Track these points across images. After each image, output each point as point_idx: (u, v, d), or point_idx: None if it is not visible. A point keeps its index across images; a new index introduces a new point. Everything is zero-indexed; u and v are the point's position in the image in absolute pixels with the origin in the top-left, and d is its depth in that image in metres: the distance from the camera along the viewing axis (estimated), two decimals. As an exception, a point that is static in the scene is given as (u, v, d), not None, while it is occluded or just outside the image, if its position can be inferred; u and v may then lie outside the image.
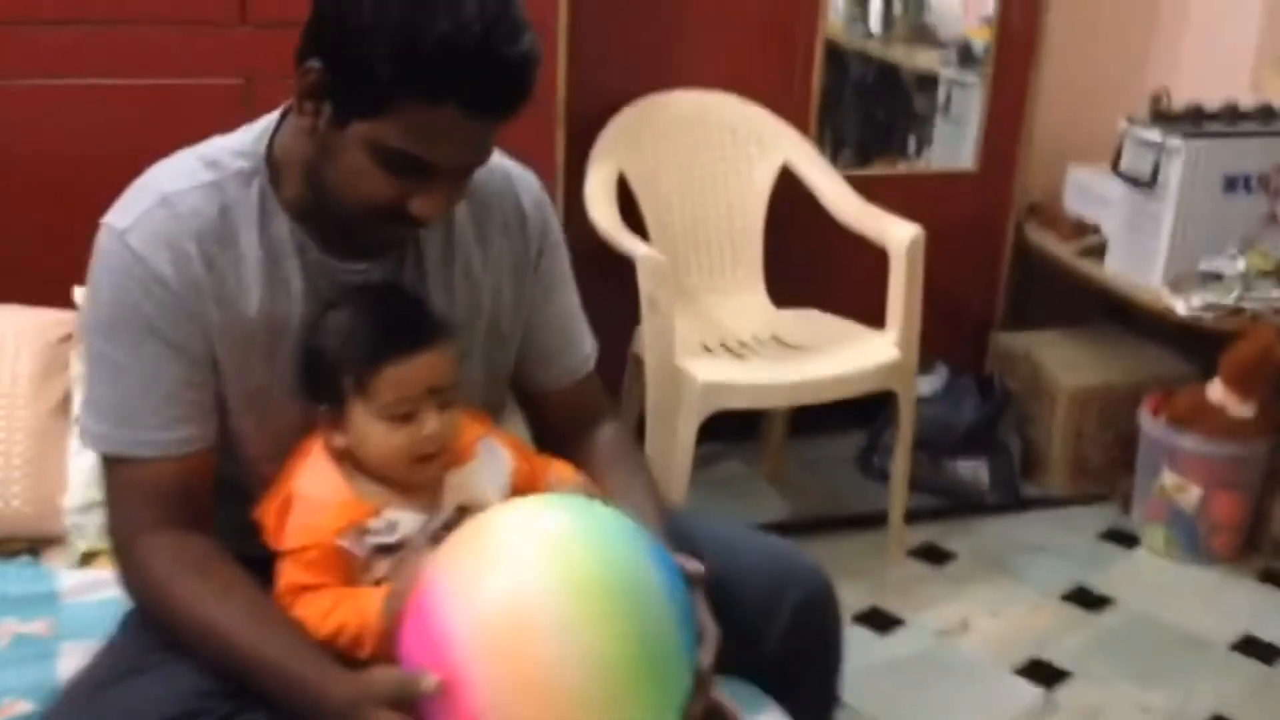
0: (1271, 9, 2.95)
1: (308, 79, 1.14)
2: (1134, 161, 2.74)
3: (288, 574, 1.19)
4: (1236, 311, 2.61)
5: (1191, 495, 2.64)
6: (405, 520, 1.20)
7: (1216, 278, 2.66)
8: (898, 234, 2.51)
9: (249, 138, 1.24)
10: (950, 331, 3.05)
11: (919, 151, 3.07)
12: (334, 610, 1.16)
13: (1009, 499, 2.90)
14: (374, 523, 1.19)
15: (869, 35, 2.97)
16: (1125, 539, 2.78)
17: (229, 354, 1.22)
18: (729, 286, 2.75)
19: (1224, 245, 2.68)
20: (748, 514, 2.73)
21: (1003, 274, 3.15)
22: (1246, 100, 2.79)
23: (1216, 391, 2.61)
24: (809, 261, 2.84)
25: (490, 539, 1.07)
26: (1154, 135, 2.69)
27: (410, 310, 1.23)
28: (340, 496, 1.20)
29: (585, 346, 1.45)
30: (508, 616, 1.02)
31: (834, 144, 2.94)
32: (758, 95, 2.76)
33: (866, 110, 3.01)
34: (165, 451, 1.20)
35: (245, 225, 1.21)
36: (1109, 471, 2.90)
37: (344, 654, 1.15)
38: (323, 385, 1.22)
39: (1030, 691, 2.27)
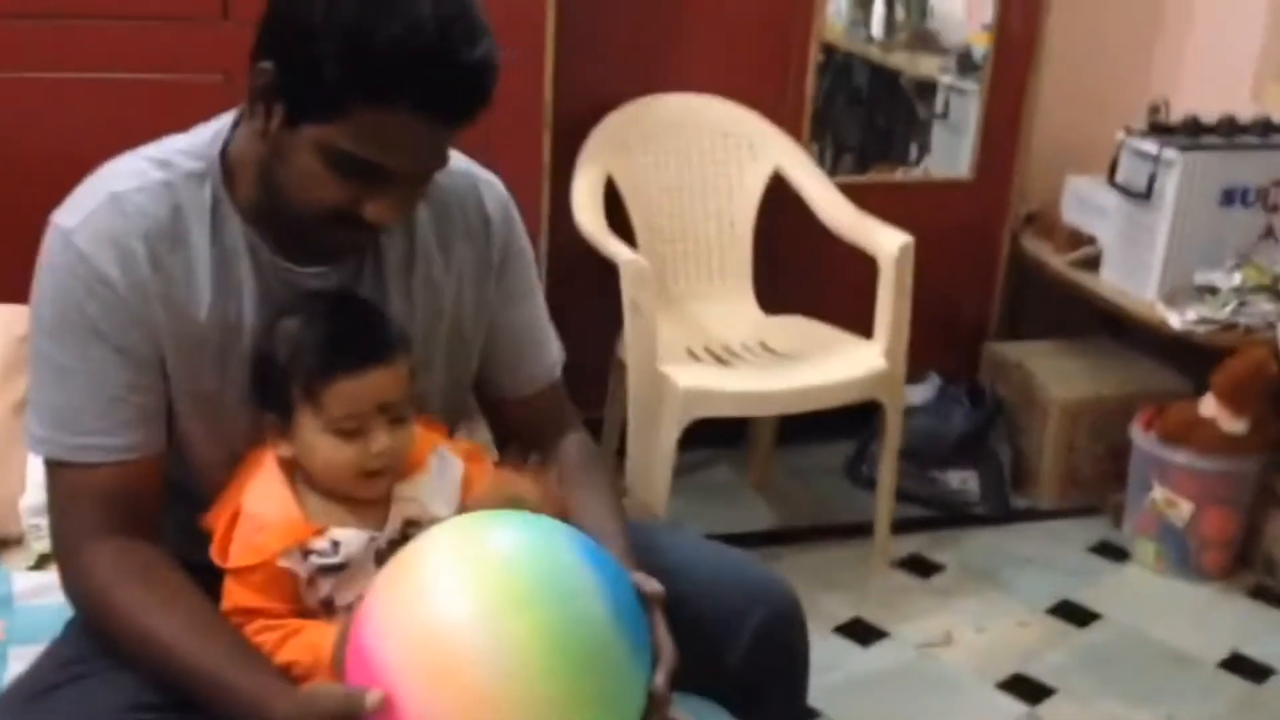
0: (1275, 20, 2.91)
1: (259, 79, 1.12)
2: (1130, 173, 2.71)
3: (233, 595, 1.18)
4: (1230, 326, 2.59)
5: (1183, 510, 2.61)
6: (349, 539, 1.18)
7: (1212, 291, 2.63)
8: (887, 242, 2.49)
9: (203, 139, 1.22)
10: (943, 341, 3.03)
11: (917, 159, 3.04)
12: (283, 645, 1.15)
13: (998, 510, 2.87)
14: (317, 543, 1.17)
15: (870, 40, 2.94)
16: (1115, 553, 2.75)
17: (178, 358, 1.20)
18: (717, 292, 2.73)
19: (1220, 259, 2.66)
20: (733, 522, 2.71)
21: (998, 284, 3.12)
22: (1245, 112, 2.76)
23: (1209, 406, 2.58)
24: (800, 268, 2.82)
25: (422, 565, 1.05)
26: (1151, 147, 2.67)
27: (365, 322, 1.21)
28: (286, 515, 1.18)
29: (550, 354, 1.42)
30: (438, 645, 1.00)
31: (830, 150, 2.91)
32: (750, 99, 2.73)
33: (863, 116, 2.98)
34: (110, 457, 1.18)
35: (197, 227, 1.19)
36: (1100, 484, 2.87)
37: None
38: (271, 393, 1.19)
39: (1013, 708, 2.25)
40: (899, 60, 2.96)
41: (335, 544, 1.17)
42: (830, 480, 2.97)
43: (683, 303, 2.69)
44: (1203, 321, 2.59)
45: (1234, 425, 2.55)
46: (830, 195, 2.68)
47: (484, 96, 1.11)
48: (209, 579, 1.19)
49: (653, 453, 2.35)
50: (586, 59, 2.56)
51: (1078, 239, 2.95)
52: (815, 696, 2.04)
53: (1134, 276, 2.74)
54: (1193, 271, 2.66)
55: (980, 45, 2.95)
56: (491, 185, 1.35)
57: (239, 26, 2.08)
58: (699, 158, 2.71)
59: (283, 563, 1.16)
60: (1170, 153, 2.63)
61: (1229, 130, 2.71)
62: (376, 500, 1.20)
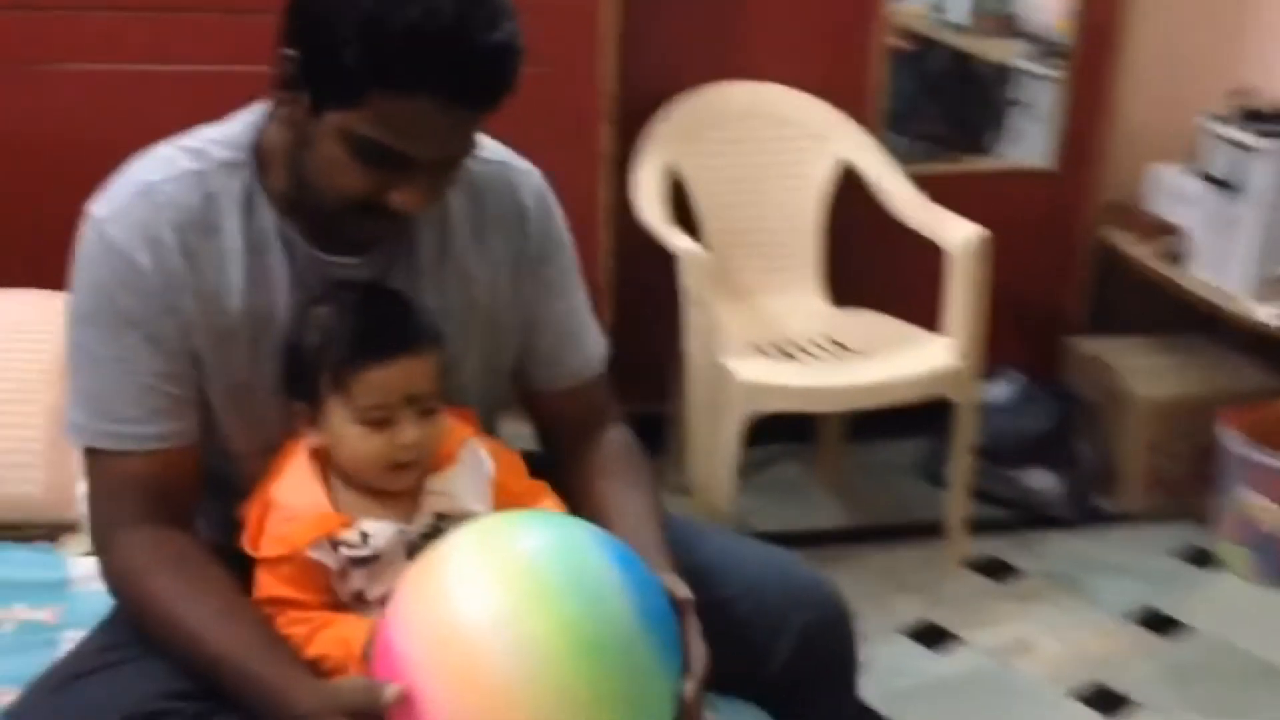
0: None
1: (284, 67, 1.12)
2: (1217, 161, 2.61)
3: (265, 585, 1.18)
4: (1325, 322, 2.48)
5: (1274, 515, 2.50)
6: (378, 531, 1.17)
7: (1305, 286, 2.52)
8: (956, 233, 2.42)
9: (236, 128, 1.22)
10: (1023, 336, 2.96)
11: (994, 147, 2.97)
12: (313, 638, 1.14)
13: (1080, 513, 2.78)
14: (347, 534, 1.16)
15: (946, 24, 2.87)
16: (1202, 559, 2.65)
17: (211, 348, 1.20)
18: (784, 285, 2.68)
19: (1314, 251, 2.54)
20: (801, 519, 2.67)
21: (1080, 277, 3.03)
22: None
23: (1301, 406, 2.48)
24: (870, 261, 2.76)
25: (447, 563, 1.04)
26: (1240, 135, 2.56)
27: (395, 312, 1.20)
28: (316, 506, 1.17)
29: (590, 348, 1.39)
30: (461, 644, 0.99)
31: (905, 138, 2.84)
32: (819, 87, 2.68)
33: (939, 104, 2.91)
34: (143, 445, 1.19)
35: (229, 216, 1.19)
36: (1187, 487, 2.76)
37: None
38: (301, 382, 1.19)
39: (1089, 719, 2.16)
40: (977, 46, 2.88)
41: (364, 536, 1.16)
42: (903, 479, 2.90)
43: (749, 296, 2.65)
44: (1295, 316, 2.49)
45: (1327, 426, 2.45)
46: (900, 185, 2.61)
47: (505, 81, 1.09)
48: (248, 567, 1.19)
49: (714, 448, 2.32)
50: (650, 46, 2.54)
51: (1162, 229, 2.84)
52: (881, 701, 2.01)
53: (1221, 269, 2.64)
54: (1285, 264, 2.55)
55: (1062, 30, 2.87)
56: (528, 175, 1.33)
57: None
58: (765, 147, 2.66)
59: (312, 554, 1.16)
60: (1261, 141, 2.53)
61: (1324, 117, 2.60)
62: (407, 493, 1.19)
